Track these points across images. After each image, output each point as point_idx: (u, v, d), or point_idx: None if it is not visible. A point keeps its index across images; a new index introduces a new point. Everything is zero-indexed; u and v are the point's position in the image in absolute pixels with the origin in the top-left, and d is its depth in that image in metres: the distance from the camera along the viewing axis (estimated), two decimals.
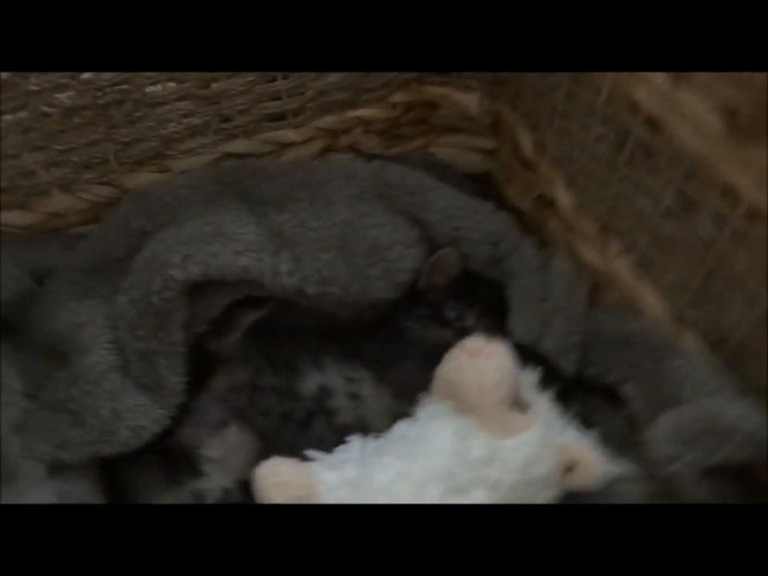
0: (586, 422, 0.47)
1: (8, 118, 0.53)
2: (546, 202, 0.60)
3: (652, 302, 0.50)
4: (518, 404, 0.43)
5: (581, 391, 0.52)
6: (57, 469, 0.49)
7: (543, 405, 0.43)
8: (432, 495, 0.38)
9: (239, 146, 0.63)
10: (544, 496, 0.41)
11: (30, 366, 0.53)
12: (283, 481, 0.40)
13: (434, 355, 0.46)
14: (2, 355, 0.53)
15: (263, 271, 0.51)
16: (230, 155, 0.62)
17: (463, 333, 0.53)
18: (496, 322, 0.55)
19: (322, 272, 0.52)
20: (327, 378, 0.52)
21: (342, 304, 0.54)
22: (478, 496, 0.38)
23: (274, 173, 0.58)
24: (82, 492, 0.49)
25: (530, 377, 0.45)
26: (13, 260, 0.55)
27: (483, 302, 0.55)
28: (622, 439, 0.45)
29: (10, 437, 0.48)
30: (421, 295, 0.56)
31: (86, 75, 0.52)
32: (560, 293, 0.54)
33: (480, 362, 0.42)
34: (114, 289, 0.54)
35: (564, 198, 0.57)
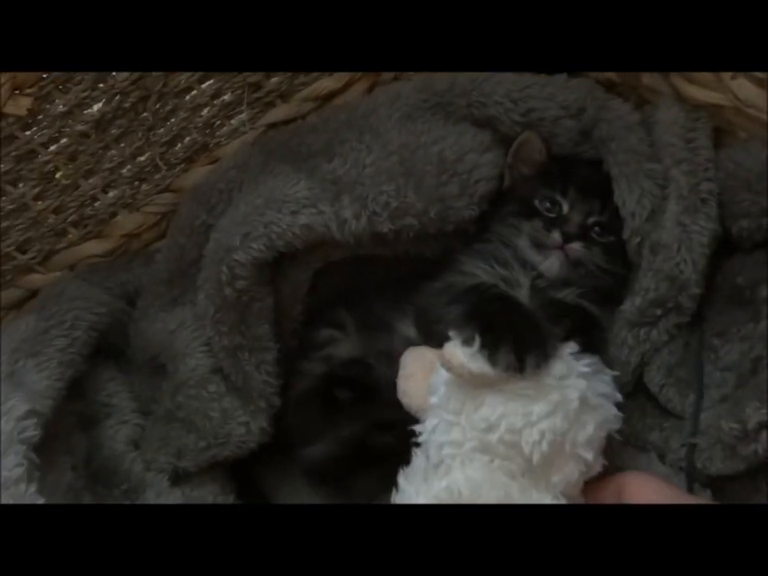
0: (757, 285, 0.39)
1: (52, 148, 0.52)
2: None
3: None
4: None
5: (739, 253, 0.42)
6: (183, 476, 0.48)
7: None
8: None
9: (279, 112, 0.58)
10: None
11: (138, 383, 0.53)
12: None
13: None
14: (111, 378, 0.53)
15: (327, 223, 0.47)
16: (274, 126, 0.58)
17: (558, 223, 0.46)
18: (599, 206, 0.47)
19: (391, 204, 0.46)
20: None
21: (426, 237, 0.49)
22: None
23: (315, 124, 0.54)
24: (209, 496, 0.48)
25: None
26: (100, 287, 0.56)
27: (579, 185, 0.47)
28: None
29: (131, 453, 0.49)
30: (508, 193, 0.49)
31: (103, 84, 0.51)
32: (675, 143, 0.44)
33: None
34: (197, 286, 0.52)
35: None
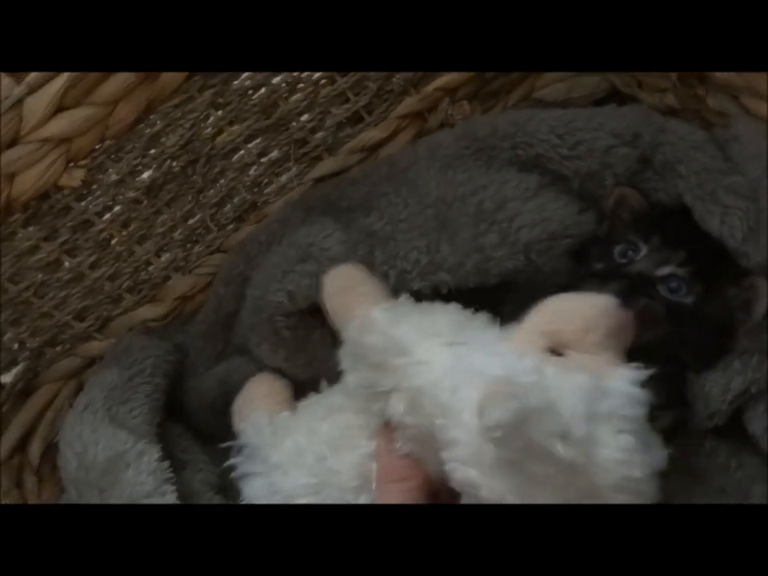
0: None
1: (107, 216, 0.54)
2: (695, 80, 0.44)
3: None
4: None
5: None
6: None
7: None
8: None
9: (327, 166, 0.58)
10: None
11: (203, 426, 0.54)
12: None
13: None
14: (181, 434, 0.53)
15: None
16: (321, 180, 0.58)
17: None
18: (682, 256, 0.42)
19: (421, 261, 0.43)
20: None
21: (465, 292, 0.45)
22: None
23: (357, 177, 0.53)
24: None
25: None
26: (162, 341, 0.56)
27: (668, 232, 0.43)
28: None
29: (207, 494, 0.49)
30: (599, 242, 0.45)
31: (153, 150, 0.52)
32: (763, 153, 0.39)
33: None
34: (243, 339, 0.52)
35: None
